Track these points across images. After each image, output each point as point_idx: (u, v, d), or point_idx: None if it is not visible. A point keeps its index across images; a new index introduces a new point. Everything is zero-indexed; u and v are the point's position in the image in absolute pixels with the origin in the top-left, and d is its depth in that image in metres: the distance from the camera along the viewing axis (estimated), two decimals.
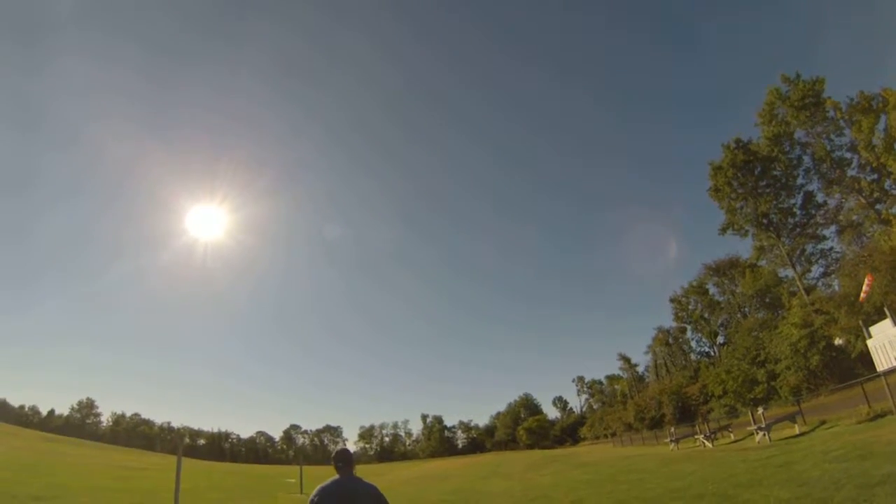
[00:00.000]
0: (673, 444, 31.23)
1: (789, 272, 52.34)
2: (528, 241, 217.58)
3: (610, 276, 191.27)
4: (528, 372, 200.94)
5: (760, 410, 25.73)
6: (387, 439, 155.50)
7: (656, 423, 65.09)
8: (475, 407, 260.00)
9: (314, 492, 4.53)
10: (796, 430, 22.78)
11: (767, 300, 56.27)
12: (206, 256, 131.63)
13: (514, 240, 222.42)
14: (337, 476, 4.60)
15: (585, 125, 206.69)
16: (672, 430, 35.50)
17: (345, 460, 4.64)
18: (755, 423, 23.97)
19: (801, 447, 17.94)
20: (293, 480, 33.37)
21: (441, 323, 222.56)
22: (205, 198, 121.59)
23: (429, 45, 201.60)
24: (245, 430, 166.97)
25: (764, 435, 22.41)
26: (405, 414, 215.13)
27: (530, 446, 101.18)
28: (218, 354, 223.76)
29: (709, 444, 27.28)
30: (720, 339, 69.22)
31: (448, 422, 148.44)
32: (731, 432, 29.23)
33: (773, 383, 44.90)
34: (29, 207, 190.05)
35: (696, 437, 30.46)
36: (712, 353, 71.77)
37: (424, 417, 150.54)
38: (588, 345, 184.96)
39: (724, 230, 53.94)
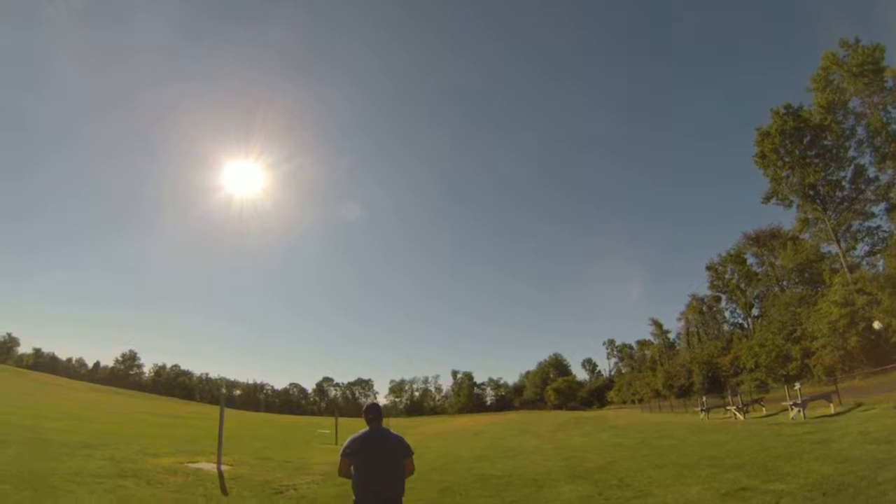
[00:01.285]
0: (703, 414, 31.39)
1: (833, 248, 50.70)
2: (565, 204, 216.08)
3: (647, 239, 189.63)
4: (557, 332, 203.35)
5: (798, 386, 25.53)
6: (417, 394, 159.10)
7: (684, 392, 65.18)
8: (505, 365, 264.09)
9: (346, 442, 4.94)
10: (832, 409, 22.62)
11: (807, 275, 54.92)
12: (242, 212, 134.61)
13: (553, 205, 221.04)
14: (368, 428, 4.96)
15: (635, 86, 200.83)
16: (703, 399, 35.52)
17: (375, 413, 4.99)
18: (790, 399, 23.88)
19: (839, 426, 17.91)
20: (327, 431, 34.60)
21: (475, 281, 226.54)
22: (240, 153, 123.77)
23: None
24: (279, 382, 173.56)
25: (799, 411, 22.35)
26: (435, 369, 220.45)
27: (558, 406, 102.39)
28: (253, 309, 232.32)
29: (740, 416, 27.32)
30: (755, 312, 68.23)
31: (478, 379, 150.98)
32: (764, 406, 29.16)
33: (807, 361, 44.33)
34: (73, 166, 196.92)
35: (727, 408, 30.49)
36: (746, 326, 70.86)
37: (455, 373, 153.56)
38: (620, 308, 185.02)
39: (767, 199, 52.33)
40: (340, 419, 31.95)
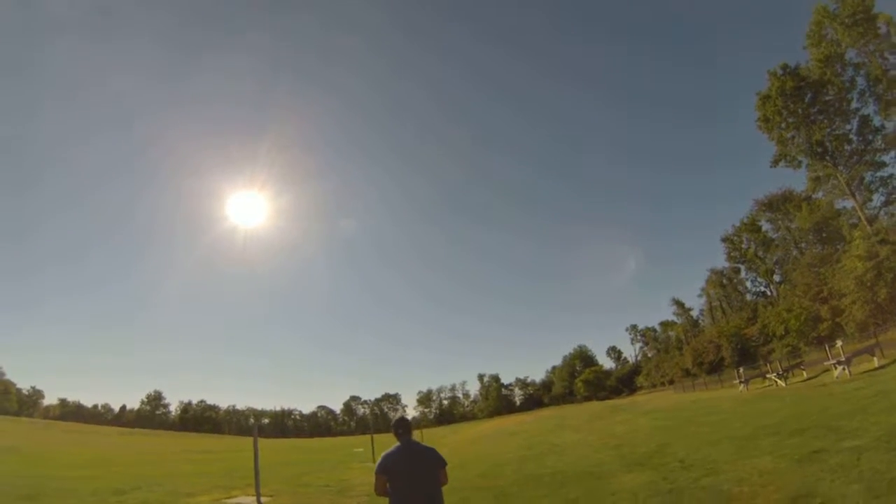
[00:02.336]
0: (742, 386, 30.68)
1: (848, 203, 49.72)
2: (572, 196, 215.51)
3: (658, 224, 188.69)
4: (580, 325, 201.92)
5: (839, 344, 24.85)
6: (445, 402, 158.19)
7: (715, 368, 64.09)
8: (530, 363, 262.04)
9: (380, 459, 4.89)
10: (875, 363, 22.02)
11: (825, 234, 54.00)
12: (247, 242, 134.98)
13: (560, 198, 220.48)
14: (399, 443, 4.94)
15: (640, 81, 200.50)
16: (740, 370, 34.77)
17: (404, 427, 5.02)
18: (833, 358, 23.22)
19: (889, 378, 17.31)
20: (361, 450, 34.15)
21: (493, 286, 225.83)
22: (244, 182, 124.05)
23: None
24: (306, 407, 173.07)
25: (843, 369, 21.71)
26: (462, 376, 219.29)
27: (587, 398, 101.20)
28: (273, 338, 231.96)
29: (782, 383, 26.62)
30: (777, 278, 67.08)
31: (505, 380, 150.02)
32: (804, 369, 28.41)
33: (838, 320, 43.37)
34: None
35: (766, 376, 29.80)
36: (769, 293, 69.74)
37: (481, 377, 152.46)
38: (640, 293, 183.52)
39: (775, 162, 51.37)
40: (374, 435, 31.49)
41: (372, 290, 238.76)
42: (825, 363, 25.22)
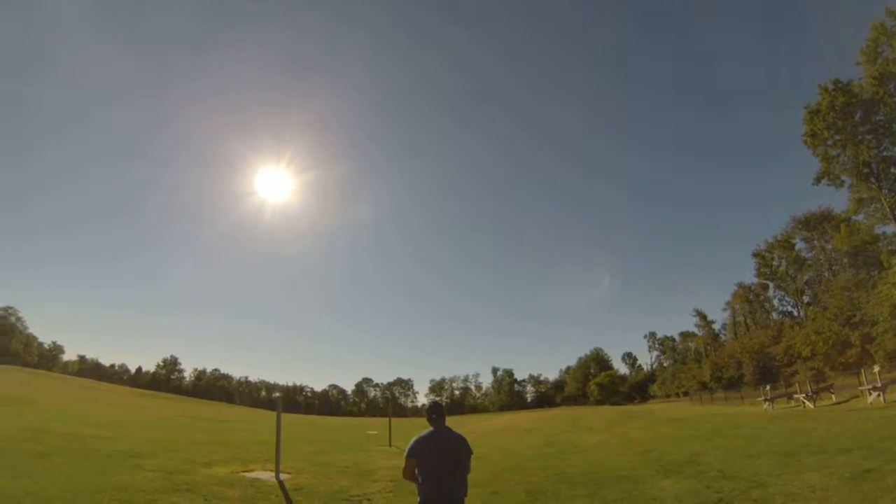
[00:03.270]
0: (767, 404, 30.07)
1: (889, 228, 48.49)
2: (605, 196, 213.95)
3: (688, 230, 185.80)
4: (596, 327, 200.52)
5: (877, 369, 24.21)
6: (457, 392, 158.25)
7: (733, 384, 63.05)
8: (544, 361, 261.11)
9: (411, 443, 4.83)
10: None
11: (862, 258, 52.58)
12: (275, 217, 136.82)
13: (594, 196, 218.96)
14: (432, 428, 4.92)
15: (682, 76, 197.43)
16: (767, 388, 34.14)
17: (438, 412, 4.99)
18: (868, 383, 22.60)
19: None
20: (375, 432, 34.25)
21: (511, 277, 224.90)
22: (271, 159, 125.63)
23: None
24: (318, 384, 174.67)
25: (879, 395, 21.14)
26: (475, 367, 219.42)
27: (600, 402, 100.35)
28: (290, 313, 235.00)
29: (810, 405, 26.01)
30: (806, 299, 65.67)
31: (518, 375, 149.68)
32: (833, 393, 27.74)
33: (867, 347, 42.34)
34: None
35: (794, 396, 29.21)
36: (796, 314, 68.36)
37: (495, 370, 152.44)
38: (660, 300, 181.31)
39: (818, 179, 49.98)
40: (383, 418, 31.47)
41: (392, 273, 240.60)
42: (859, 388, 24.56)
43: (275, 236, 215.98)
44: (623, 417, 37.54)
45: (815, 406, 25.62)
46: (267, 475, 11.87)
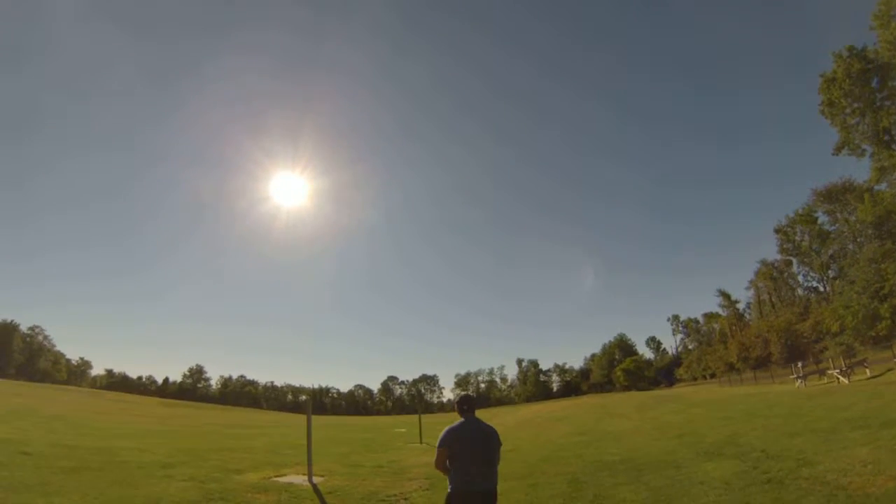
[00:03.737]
0: (799, 382, 29.64)
1: None
2: (621, 179, 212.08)
3: (707, 209, 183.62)
4: (619, 312, 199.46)
5: None
6: (482, 385, 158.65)
7: (761, 363, 62.40)
8: (568, 350, 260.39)
9: (443, 433, 4.87)
10: None
11: (888, 228, 51.47)
12: (290, 222, 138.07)
13: (607, 181, 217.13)
14: (462, 419, 4.94)
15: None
16: (799, 365, 33.62)
17: (469, 404, 5.04)
18: None
19: None
20: (403, 430, 34.30)
21: (532, 268, 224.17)
22: (287, 164, 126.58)
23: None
24: (344, 385, 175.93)
25: None
26: (499, 360, 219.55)
27: (627, 388, 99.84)
28: (313, 317, 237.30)
29: (845, 380, 25.59)
30: (831, 273, 64.51)
31: (543, 366, 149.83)
32: (867, 367, 27.24)
33: None
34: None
35: (827, 372, 28.75)
36: (822, 289, 67.26)
37: (520, 361, 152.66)
38: (683, 282, 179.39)
39: (838, 150, 48.91)
40: (408, 415, 31.45)
41: (413, 270, 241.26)
42: (894, 360, 24.12)
43: (293, 240, 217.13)
44: (652, 402, 37.20)
45: (849, 381, 25.21)
46: (300, 479, 11.77)
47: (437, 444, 4.85)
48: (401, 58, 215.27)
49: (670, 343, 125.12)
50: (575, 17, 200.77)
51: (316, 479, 11.62)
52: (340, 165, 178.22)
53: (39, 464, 10.74)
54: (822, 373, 30.33)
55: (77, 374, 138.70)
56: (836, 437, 10.64)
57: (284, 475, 12.34)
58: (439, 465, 4.85)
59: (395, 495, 10.17)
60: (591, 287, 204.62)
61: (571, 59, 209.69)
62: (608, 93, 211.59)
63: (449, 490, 4.73)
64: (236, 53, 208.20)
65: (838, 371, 26.61)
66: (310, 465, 12.01)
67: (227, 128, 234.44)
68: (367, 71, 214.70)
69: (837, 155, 49.47)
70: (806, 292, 71.23)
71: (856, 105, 46.36)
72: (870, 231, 53.66)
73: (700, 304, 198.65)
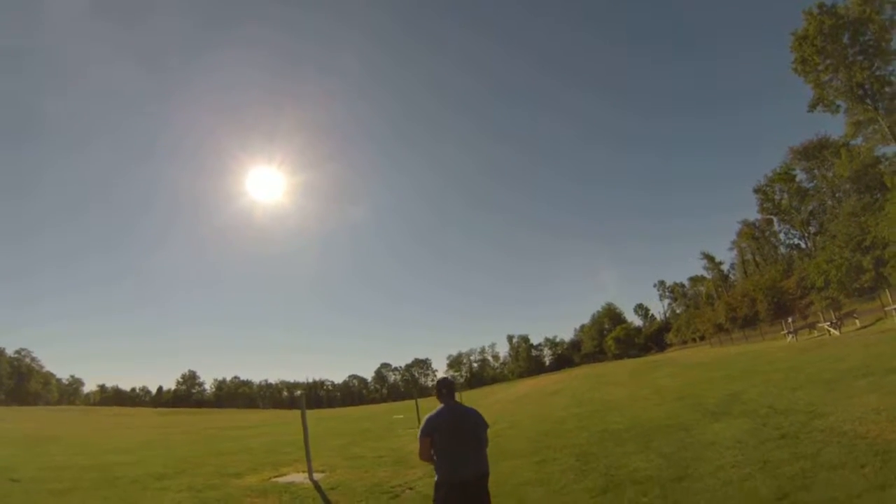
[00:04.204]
0: (791, 336, 29.94)
1: (890, 148, 47.86)
2: (599, 155, 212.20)
3: (684, 176, 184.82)
4: (604, 282, 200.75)
5: None
6: (475, 365, 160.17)
7: (749, 322, 63.19)
8: (558, 323, 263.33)
9: (423, 422, 4.74)
10: None
11: (866, 182, 51.96)
12: (266, 217, 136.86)
13: (590, 159, 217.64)
14: (442, 405, 4.80)
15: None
16: (789, 321, 33.95)
17: (448, 387, 4.87)
18: (893, 303, 22.38)
19: None
20: (401, 416, 34.07)
21: (515, 246, 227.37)
22: (263, 160, 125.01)
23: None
24: (337, 376, 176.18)
25: None
26: (490, 338, 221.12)
27: (618, 356, 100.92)
28: (300, 312, 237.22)
29: (836, 332, 25.84)
30: (812, 229, 65.30)
31: (533, 340, 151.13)
32: (857, 318, 27.55)
33: (882, 270, 42.08)
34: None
35: (815, 326, 29.03)
36: (804, 245, 68.10)
37: (510, 338, 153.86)
38: (666, 248, 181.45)
39: (812, 106, 49.38)
40: (405, 401, 31.26)
41: (397, 257, 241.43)
42: (884, 309, 24.37)
43: (275, 236, 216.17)
44: (646, 368, 37.40)
45: (840, 333, 25.45)
46: (300, 477, 11.34)
47: (418, 435, 4.73)
48: (389, 55, 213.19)
49: (658, 309, 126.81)
50: None
51: (317, 476, 11.19)
52: (322, 160, 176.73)
53: (29, 489, 10.14)
54: (812, 326, 30.69)
55: (69, 392, 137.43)
56: (840, 387, 10.57)
57: (284, 475, 11.91)
58: (423, 455, 4.74)
59: (399, 485, 9.79)
60: (578, 262, 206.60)
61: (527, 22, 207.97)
62: (590, 70, 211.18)
63: (436, 479, 4.61)
64: (223, 48, 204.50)
65: (829, 324, 26.90)
66: (309, 462, 11.54)
67: (208, 127, 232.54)
68: (354, 68, 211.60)
69: (812, 112, 50.07)
70: (788, 250, 72.25)
71: (828, 62, 46.62)
72: (848, 186, 54.26)
73: (685, 268, 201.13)
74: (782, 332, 32.72)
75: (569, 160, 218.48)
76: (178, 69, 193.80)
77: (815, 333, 29.16)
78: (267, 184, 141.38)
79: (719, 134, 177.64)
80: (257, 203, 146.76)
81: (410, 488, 9.42)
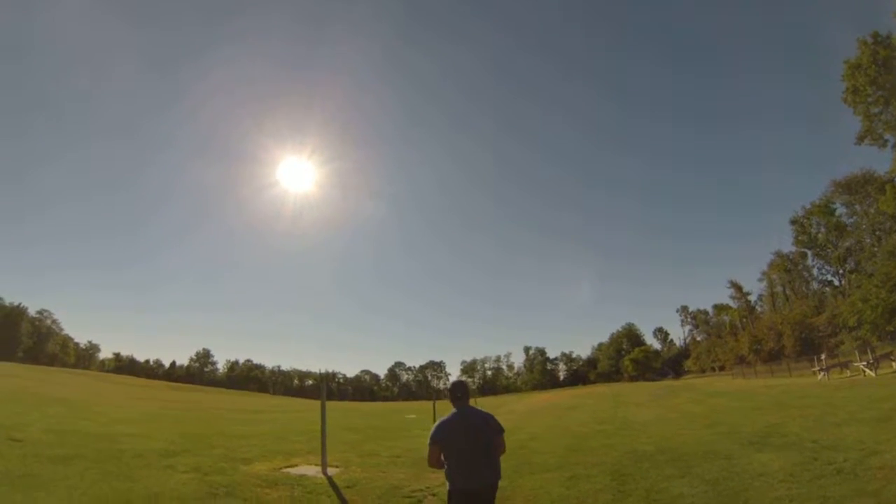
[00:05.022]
0: (822, 374, 29.07)
1: None
2: (630, 168, 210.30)
3: (721, 197, 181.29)
4: (626, 302, 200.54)
5: None
6: (489, 373, 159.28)
7: (773, 357, 61.71)
8: (574, 338, 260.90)
9: (434, 427, 4.56)
10: None
11: None
12: (298, 208, 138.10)
13: (617, 171, 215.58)
14: (455, 410, 4.62)
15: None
16: (822, 357, 33.05)
17: (463, 391, 4.72)
18: None
19: None
20: (413, 416, 33.95)
21: (541, 254, 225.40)
22: (294, 151, 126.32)
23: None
24: (350, 370, 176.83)
25: None
26: (505, 347, 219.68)
27: (634, 378, 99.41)
28: (320, 303, 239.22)
29: (871, 373, 25.02)
30: (848, 266, 63.57)
31: (550, 354, 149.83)
32: (894, 361, 26.64)
33: None
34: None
35: (851, 365, 28.19)
36: (837, 282, 66.32)
37: (527, 349, 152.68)
38: (692, 273, 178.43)
39: (860, 139, 47.87)
40: (418, 401, 31.06)
41: (419, 257, 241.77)
42: None
43: (301, 227, 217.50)
44: (665, 392, 36.79)
45: (875, 374, 24.64)
46: (313, 470, 10.87)
47: (428, 440, 4.52)
48: (405, 45, 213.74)
49: (678, 334, 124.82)
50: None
51: (331, 471, 10.77)
52: (347, 152, 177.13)
53: (28, 451, 9.75)
54: (846, 365, 29.77)
55: (85, 357, 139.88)
56: (890, 426, 10.16)
57: (296, 465, 11.45)
58: (433, 461, 4.55)
59: (420, 490, 9.29)
60: (598, 277, 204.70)
61: (574, 46, 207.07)
62: (615, 82, 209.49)
63: (448, 488, 4.44)
64: (239, 41, 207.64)
65: (865, 364, 26.04)
66: (324, 455, 11.09)
67: (231, 115, 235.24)
68: (372, 59, 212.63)
69: (860, 144, 48.46)
70: (820, 285, 70.41)
71: (879, 93, 45.29)
72: (889, 224, 52.77)
73: (709, 295, 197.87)
74: (813, 369, 31.80)
75: (602, 178, 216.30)
76: (202, 60, 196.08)
77: (848, 373, 28.28)
78: (294, 173, 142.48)
79: (759, 155, 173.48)
80: (283, 192, 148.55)
81: (433, 494, 8.94)
